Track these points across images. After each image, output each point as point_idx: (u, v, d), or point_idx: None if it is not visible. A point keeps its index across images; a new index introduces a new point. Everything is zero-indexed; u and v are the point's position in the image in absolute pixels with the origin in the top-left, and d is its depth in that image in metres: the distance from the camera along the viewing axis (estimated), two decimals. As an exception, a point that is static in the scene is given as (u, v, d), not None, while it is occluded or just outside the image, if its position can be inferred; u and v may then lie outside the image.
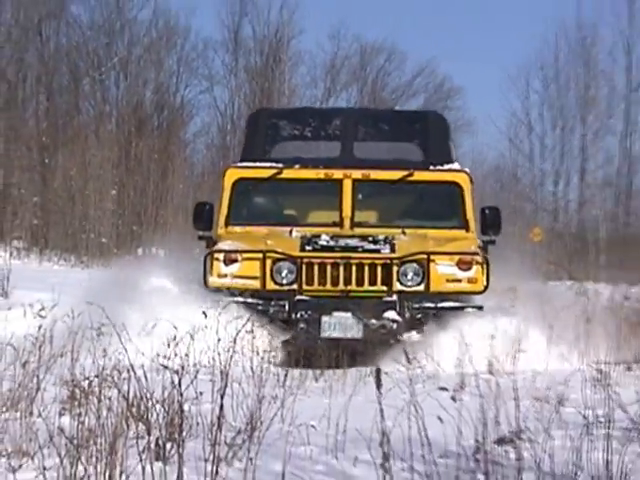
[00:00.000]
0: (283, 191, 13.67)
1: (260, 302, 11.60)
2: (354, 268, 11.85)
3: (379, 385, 6.18)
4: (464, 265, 11.93)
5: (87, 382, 6.81)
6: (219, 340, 8.56)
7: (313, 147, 14.31)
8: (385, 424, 5.91)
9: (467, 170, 13.80)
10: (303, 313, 11.45)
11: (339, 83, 66.38)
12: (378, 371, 6.46)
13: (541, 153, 60.67)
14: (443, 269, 11.91)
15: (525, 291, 12.98)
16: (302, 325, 11.45)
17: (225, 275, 11.58)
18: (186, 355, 7.44)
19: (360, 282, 11.77)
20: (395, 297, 11.78)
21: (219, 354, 7.36)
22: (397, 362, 9.85)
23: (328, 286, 11.74)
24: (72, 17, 57.86)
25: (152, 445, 6.29)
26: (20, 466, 6.23)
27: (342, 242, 12.10)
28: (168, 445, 6.27)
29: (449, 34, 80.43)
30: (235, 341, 7.71)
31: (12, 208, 47.25)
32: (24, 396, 7.43)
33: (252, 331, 10.46)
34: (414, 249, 11.97)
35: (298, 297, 11.55)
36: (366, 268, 11.87)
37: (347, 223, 12.93)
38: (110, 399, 6.45)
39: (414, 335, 11.65)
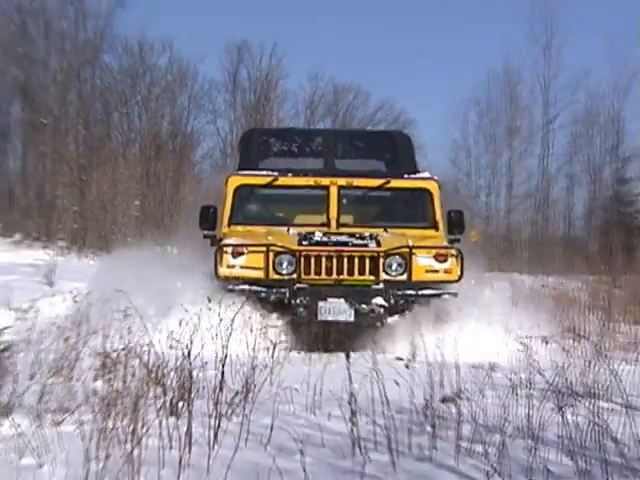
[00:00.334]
0: (278, 196, 13.37)
1: (264, 289, 11.22)
2: (345, 260, 11.46)
3: (348, 356, 6.31)
4: (441, 257, 11.65)
5: (115, 354, 6.80)
6: (221, 320, 8.54)
7: (299, 162, 13.97)
8: (353, 387, 5.97)
9: (436, 178, 13.57)
10: (302, 299, 11.10)
11: (317, 116, 66.45)
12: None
13: (476, 171, 61.03)
14: (423, 261, 11.59)
15: (467, 279, 12.80)
16: (301, 309, 11.03)
17: (233, 266, 11.28)
18: (194, 333, 7.41)
19: (351, 272, 11.41)
20: (382, 285, 11.37)
21: (220, 331, 7.37)
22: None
23: (323, 276, 11.34)
24: (104, 64, 57.85)
25: (167, 404, 6.32)
26: (62, 420, 6.20)
27: (334, 238, 11.79)
28: (180, 404, 6.28)
29: (405, 76, 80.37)
30: (233, 320, 7.72)
31: (57, 215, 47.19)
32: (65, 365, 7.39)
33: (247, 313, 10.24)
34: (397, 244, 11.60)
35: (297, 285, 11.17)
36: (356, 260, 11.47)
37: (333, 224, 12.62)
38: (134, 367, 6.43)
39: (396, 319, 11.32)
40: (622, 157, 57.87)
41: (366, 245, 11.59)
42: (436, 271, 11.58)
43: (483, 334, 10.36)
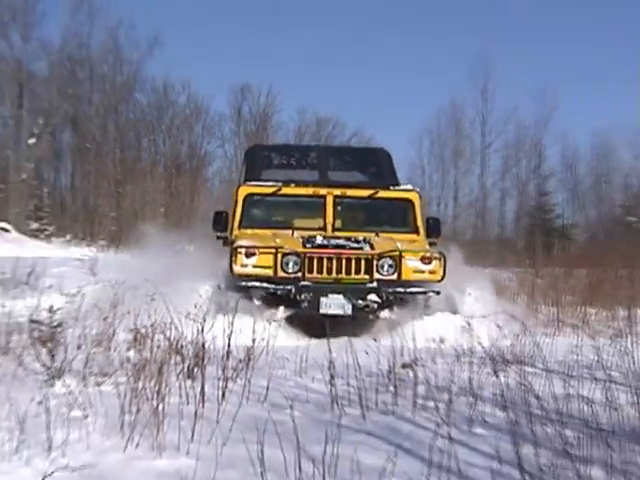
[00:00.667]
0: (281, 203, 12.68)
1: (273, 286, 10.73)
2: (344, 261, 10.84)
3: (327, 335, 6.50)
4: (426, 260, 11.05)
5: (144, 330, 6.78)
6: (228, 303, 8.52)
7: (296, 173, 13.33)
8: (332, 356, 5.94)
9: (417, 190, 12.97)
10: (306, 295, 10.54)
11: (304, 142, 66.43)
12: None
13: (429, 186, 61.05)
14: (411, 263, 10.96)
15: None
16: (305, 304, 10.51)
17: (246, 265, 10.74)
18: (206, 313, 7.40)
19: (348, 272, 10.85)
20: (375, 284, 10.75)
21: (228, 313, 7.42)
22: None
23: (324, 275, 10.81)
24: (136, 100, 58.00)
25: (185, 369, 6.35)
26: (102, 382, 6.22)
27: (333, 241, 11.25)
28: (195, 369, 6.27)
29: (374, 110, 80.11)
30: (237, 304, 7.73)
31: (98, 220, 47.40)
32: (104, 338, 7.42)
33: (250, 297, 10.40)
34: (388, 248, 11.09)
35: (302, 283, 10.65)
36: (353, 261, 10.86)
37: (329, 228, 12.06)
38: (158, 340, 6.41)
39: (388, 312, 10.72)
40: (543, 175, 58.42)
41: (361, 248, 11.08)
42: (422, 272, 11.05)
43: (445, 319, 10.21)
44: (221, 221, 12.44)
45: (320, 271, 10.80)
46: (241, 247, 10.88)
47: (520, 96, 63.60)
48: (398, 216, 12.56)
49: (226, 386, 6.00)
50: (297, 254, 10.78)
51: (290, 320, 10.34)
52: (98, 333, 7.52)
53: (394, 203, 12.56)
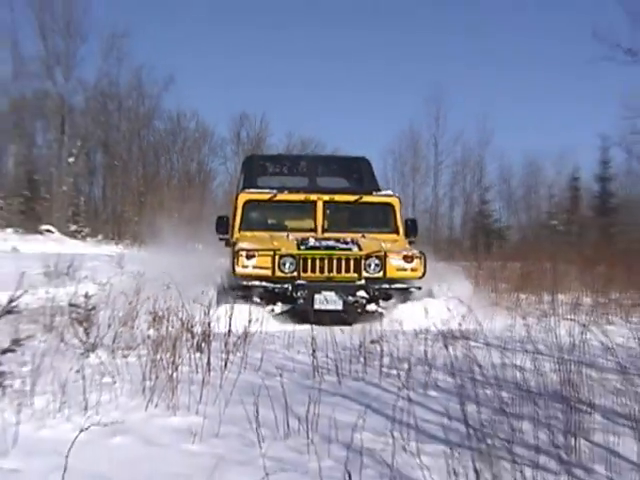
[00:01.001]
0: (276, 208, 11.94)
1: (271, 284, 10.13)
2: (335, 262, 10.27)
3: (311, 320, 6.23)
4: (409, 259, 10.49)
5: (161, 312, 6.75)
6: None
7: (288, 179, 12.85)
8: (314, 334, 5.90)
9: (398, 195, 12.33)
10: (301, 292, 9.95)
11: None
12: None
13: (392, 196, 61.10)
14: (395, 262, 10.44)
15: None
16: (301, 300, 9.90)
17: (247, 266, 10.16)
18: (212, 299, 7.42)
19: (339, 271, 10.26)
20: (363, 281, 10.20)
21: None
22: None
23: (318, 274, 10.22)
24: (155, 127, 58.04)
25: (194, 344, 6.35)
26: (128, 354, 6.22)
27: (324, 243, 10.61)
28: (202, 344, 6.24)
29: (348, 132, 80.00)
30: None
31: (124, 223, 47.46)
32: (129, 319, 7.36)
33: (251, 295, 9.91)
34: (374, 248, 10.54)
35: (297, 281, 10.07)
36: (343, 262, 10.28)
37: (320, 230, 11.43)
38: (173, 321, 6.39)
39: (374, 306, 10.14)
40: (483, 187, 58.50)
41: (350, 249, 10.46)
42: (405, 269, 10.50)
43: (412, 306, 9.93)
44: (223, 224, 11.90)
45: (314, 271, 10.26)
46: (242, 250, 10.34)
47: (466, 121, 63.69)
48: (380, 218, 11.98)
49: (227, 358, 6.01)
50: (293, 256, 10.27)
51: (286, 314, 9.87)
52: (124, 315, 7.47)
53: (377, 207, 12.03)
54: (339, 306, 9.91)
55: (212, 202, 52.75)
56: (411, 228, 12.02)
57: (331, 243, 10.60)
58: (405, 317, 8.96)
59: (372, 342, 7.09)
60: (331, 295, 9.95)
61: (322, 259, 10.26)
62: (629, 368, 5.48)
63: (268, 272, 10.14)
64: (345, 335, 7.11)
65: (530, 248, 23.33)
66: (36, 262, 13.73)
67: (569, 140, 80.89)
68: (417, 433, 4.08)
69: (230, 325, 6.43)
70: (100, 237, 44.69)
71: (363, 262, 10.29)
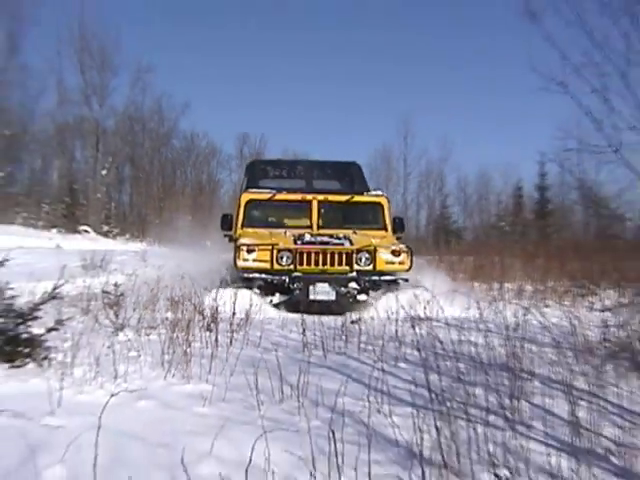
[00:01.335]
0: (275, 207, 11.27)
1: (270, 277, 9.53)
2: (329, 255, 9.63)
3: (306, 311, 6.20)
4: (397, 253, 9.86)
5: (177, 298, 6.74)
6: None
7: (287, 182, 12.07)
8: (304, 317, 5.91)
9: (386, 195, 11.69)
10: (297, 284, 9.38)
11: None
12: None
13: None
14: (384, 256, 9.81)
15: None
16: (297, 291, 9.34)
17: (247, 260, 9.55)
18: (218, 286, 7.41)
19: (332, 264, 9.61)
20: (355, 274, 9.56)
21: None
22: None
23: (312, 267, 9.56)
24: (173, 145, 57.87)
25: (205, 325, 6.30)
26: (150, 333, 6.16)
27: (319, 239, 9.97)
28: (211, 325, 6.20)
29: (333, 148, 79.59)
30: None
31: (147, 224, 47.16)
32: (151, 304, 7.33)
33: (249, 279, 9.57)
34: (365, 243, 9.90)
35: (294, 274, 9.45)
36: (336, 255, 9.65)
37: (315, 227, 10.71)
38: (187, 305, 6.38)
39: (364, 296, 9.57)
40: (444, 194, 58.51)
41: (342, 244, 9.83)
42: (393, 263, 9.87)
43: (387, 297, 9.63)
44: (227, 222, 11.27)
45: (309, 264, 9.61)
46: (243, 245, 9.75)
47: (429, 140, 63.91)
48: (371, 216, 11.25)
49: (232, 336, 5.99)
50: (290, 250, 9.63)
51: (283, 304, 9.40)
52: (147, 300, 7.45)
53: (367, 206, 11.31)
54: (332, 296, 9.37)
55: (219, 207, 52.52)
56: (399, 225, 11.41)
57: (325, 239, 10.02)
58: (381, 304, 8.65)
59: (352, 322, 7.09)
60: (325, 286, 9.41)
61: (317, 253, 9.65)
62: (562, 343, 5.52)
63: (267, 265, 9.57)
64: (330, 318, 7.11)
65: (482, 245, 23.43)
66: (75, 257, 13.66)
67: (514, 156, 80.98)
68: (389, 398, 4.08)
69: (234, 309, 6.43)
70: (127, 236, 44.73)
71: (354, 256, 9.71)
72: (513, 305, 7.45)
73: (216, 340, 5.74)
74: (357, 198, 11.12)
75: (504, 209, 54.67)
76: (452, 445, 3.04)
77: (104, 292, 7.34)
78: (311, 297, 9.26)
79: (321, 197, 10.94)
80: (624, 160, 6.27)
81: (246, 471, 2.45)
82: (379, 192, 11.66)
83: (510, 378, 4.15)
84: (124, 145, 53.01)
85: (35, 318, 5.03)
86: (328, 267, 9.61)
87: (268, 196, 10.94)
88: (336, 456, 2.75)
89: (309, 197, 10.93)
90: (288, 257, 9.58)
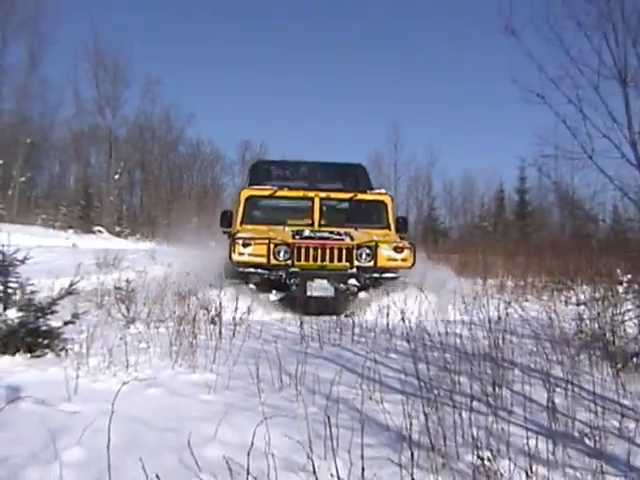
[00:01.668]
0: (277, 204, 10.38)
1: (266, 272, 8.69)
2: (328, 251, 8.74)
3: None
4: (399, 249, 8.96)
5: (183, 294, 6.74)
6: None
7: (290, 183, 10.52)
8: (301, 314, 5.87)
9: (390, 193, 10.64)
10: (295, 279, 8.51)
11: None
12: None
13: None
14: (385, 252, 8.89)
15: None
16: (294, 287, 8.46)
17: (243, 254, 8.67)
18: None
19: (331, 260, 8.71)
20: (355, 270, 8.67)
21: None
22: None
23: (311, 262, 8.69)
24: (180, 151, 57.81)
25: (209, 318, 6.29)
26: (159, 326, 6.15)
27: (318, 234, 9.12)
28: (215, 318, 6.19)
29: (330, 153, 78.93)
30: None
31: (156, 225, 47.16)
32: (160, 298, 7.30)
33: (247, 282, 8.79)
34: (366, 239, 9.04)
35: (291, 269, 8.59)
36: (336, 251, 8.75)
37: (316, 225, 9.70)
38: (192, 300, 6.37)
39: (364, 294, 8.64)
40: (432, 197, 58.42)
41: (342, 239, 8.95)
42: (395, 259, 8.95)
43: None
44: (227, 219, 10.29)
45: (307, 259, 8.73)
46: (239, 238, 8.91)
47: (418, 147, 63.72)
48: (373, 215, 10.24)
49: (235, 329, 5.99)
50: (287, 244, 8.76)
51: (280, 302, 8.56)
52: (156, 295, 7.43)
53: (370, 204, 10.29)
54: (330, 293, 8.48)
55: (223, 209, 52.74)
56: (402, 225, 10.35)
57: (325, 234, 9.14)
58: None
59: (346, 316, 7.09)
60: (323, 282, 8.52)
61: (315, 248, 8.78)
62: (540, 334, 5.55)
63: (263, 260, 8.70)
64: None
65: (467, 244, 23.47)
66: (90, 255, 13.66)
67: (496, 161, 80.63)
68: (381, 386, 4.08)
69: (237, 304, 6.41)
70: (138, 236, 44.81)
71: (355, 252, 8.82)
72: (495, 299, 7.45)
73: (220, 333, 5.74)
74: (360, 196, 10.18)
75: (487, 210, 54.78)
76: (439, 429, 3.05)
77: (116, 288, 7.35)
78: (309, 293, 8.42)
79: (323, 194, 10.00)
80: (597, 166, 6.29)
81: (248, 454, 2.45)
82: (382, 190, 10.76)
83: (493, 367, 4.15)
84: (135, 152, 53.11)
85: (53, 312, 5.05)
86: (327, 263, 8.78)
87: (269, 192, 10.01)
88: (331, 440, 2.76)
89: (311, 194, 9.97)
90: (285, 252, 8.77)
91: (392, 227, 10.07)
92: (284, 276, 8.62)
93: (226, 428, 3.21)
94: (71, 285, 5.33)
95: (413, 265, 9.04)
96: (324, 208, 10.00)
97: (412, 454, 2.77)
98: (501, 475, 2.68)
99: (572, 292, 10.57)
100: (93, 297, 7.86)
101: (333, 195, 10.14)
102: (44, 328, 4.94)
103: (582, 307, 6.14)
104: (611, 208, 27.53)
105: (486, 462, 2.68)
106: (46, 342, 4.92)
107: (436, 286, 8.89)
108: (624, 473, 2.84)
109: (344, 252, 8.81)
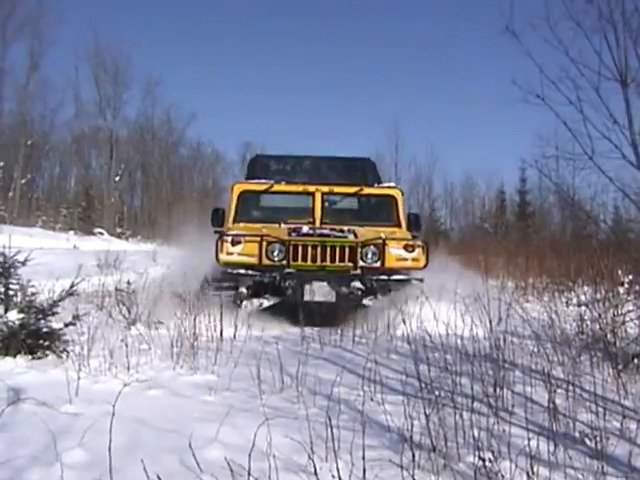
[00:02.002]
0: (273, 200, 9.18)
1: (258, 273, 7.57)
2: (328, 249, 7.56)
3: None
4: (410, 248, 7.81)
5: (181, 293, 6.75)
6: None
7: (290, 179, 9.26)
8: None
9: (400, 187, 9.43)
10: (290, 282, 7.39)
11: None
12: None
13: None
14: (394, 251, 7.75)
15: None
16: (289, 291, 7.42)
17: (232, 253, 7.64)
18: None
19: (333, 259, 7.54)
20: (359, 271, 7.51)
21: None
22: None
23: (309, 262, 7.53)
24: (180, 153, 58.08)
25: (210, 320, 6.24)
26: (159, 327, 6.16)
27: (318, 231, 7.99)
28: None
29: (326, 150, 78.68)
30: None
31: (157, 227, 47.14)
32: (159, 299, 7.26)
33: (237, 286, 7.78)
34: (372, 236, 7.88)
35: (287, 270, 7.45)
36: (337, 249, 7.56)
37: (318, 223, 8.49)
38: (192, 302, 6.38)
39: (371, 299, 7.51)
40: (432, 198, 58.43)
41: (345, 237, 7.83)
42: (405, 259, 7.79)
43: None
44: (218, 217, 9.02)
45: (305, 259, 7.60)
46: (227, 235, 7.94)
47: (418, 147, 63.53)
48: (382, 211, 9.10)
49: (236, 330, 6.00)
50: (282, 242, 7.67)
51: (272, 309, 7.64)
52: (156, 296, 7.41)
53: (378, 199, 9.24)
54: (331, 298, 7.42)
55: (214, 207, 52.84)
56: (414, 223, 9.14)
57: (325, 231, 8.05)
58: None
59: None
60: (323, 286, 7.46)
61: (314, 246, 7.66)
62: (541, 335, 5.52)
63: (254, 260, 7.65)
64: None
65: (468, 245, 23.42)
66: (91, 257, 13.69)
67: (497, 162, 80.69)
68: (381, 387, 4.08)
69: (237, 309, 6.39)
70: (139, 237, 44.90)
71: (359, 250, 7.69)
72: (496, 300, 7.45)
73: (221, 334, 5.74)
74: (367, 190, 9.08)
75: (488, 211, 54.70)
76: (440, 430, 3.04)
77: (117, 289, 7.35)
78: (306, 298, 7.39)
79: (325, 189, 8.89)
80: (598, 167, 6.30)
81: (249, 455, 2.45)
82: (392, 184, 9.74)
83: (494, 368, 4.14)
84: (136, 153, 53.30)
85: (54, 313, 5.06)
86: (327, 263, 7.65)
87: (264, 187, 8.98)
88: (333, 441, 2.76)
89: (312, 189, 8.87)
90: (280, 250, 7.68)
91: (403, 224, 8.95)
92: (278, 278, 7.56)
93: (227, 429, 3.21)
94: (72, 287, 5.34)
95: (426, 266, 7.95)
96: (327, 204, 8.98)
97: (413, 455, 2.77)
98: (502, 476, 2.67)
99: (573, 293, 10.57)
100: (94, 299, 7.87)
101: (336, 189, 9.02)
102: (45, 330, 4.95)
103: (583, 308, 6.14)
104: (612, 209, 27.51)
105: (487, 463, 2.68)
106: (47, 344, 4.93)
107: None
108: (625, 474, 2.83)
109: (347, 251, 7.70)
